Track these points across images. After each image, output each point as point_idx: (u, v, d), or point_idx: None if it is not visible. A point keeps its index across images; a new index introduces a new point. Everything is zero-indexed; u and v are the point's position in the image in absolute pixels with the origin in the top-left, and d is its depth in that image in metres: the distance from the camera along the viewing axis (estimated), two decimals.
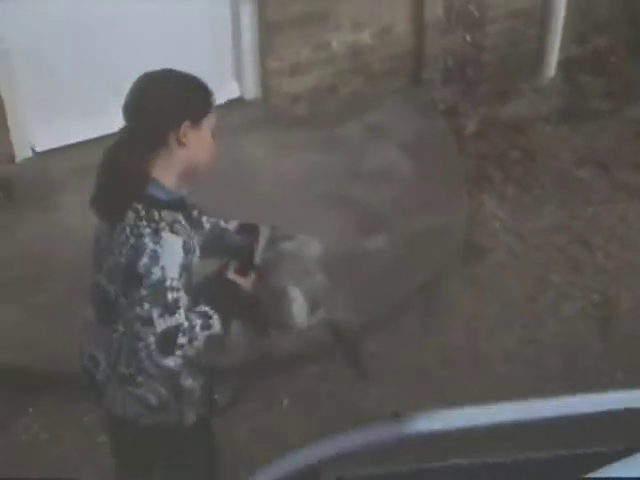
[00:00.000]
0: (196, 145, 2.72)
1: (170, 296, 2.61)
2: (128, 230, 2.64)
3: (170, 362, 2.66)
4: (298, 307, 2.94)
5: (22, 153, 5.50)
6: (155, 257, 2.62)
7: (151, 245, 2.62)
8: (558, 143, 6.08)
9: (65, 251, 4.97)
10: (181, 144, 2.70)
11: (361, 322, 4.70)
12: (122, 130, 2.74)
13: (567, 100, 6.49)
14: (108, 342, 2.92)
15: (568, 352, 4.55)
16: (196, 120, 2.71)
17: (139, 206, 2.65)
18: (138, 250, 2.63)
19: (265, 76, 6.03)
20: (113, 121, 5.30)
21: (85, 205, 5.18)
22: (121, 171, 2.71)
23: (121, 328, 2.83)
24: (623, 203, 5.57)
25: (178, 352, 2.65)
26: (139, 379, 2.86)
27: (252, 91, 6.12)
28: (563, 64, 6.67)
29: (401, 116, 6.12)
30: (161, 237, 2.64)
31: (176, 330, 2.62)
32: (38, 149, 5.54)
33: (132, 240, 2.63)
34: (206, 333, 2.75)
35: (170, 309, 2.62)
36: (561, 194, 5.65)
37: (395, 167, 5.68)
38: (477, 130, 6.13)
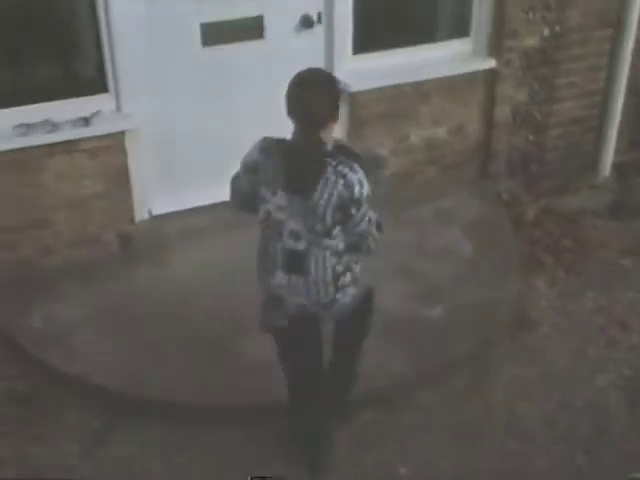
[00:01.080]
0: (337, 120, 3.54)
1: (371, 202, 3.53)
2: (333, 177, 3.39)
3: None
4: None
5: (140, 215, 5.67)
6: (361, 182, 3.43)
7: (354, 177, 3.41)
8: (607, 235, 6.10)
9: (168, 298, 5.18)
10: (334, 120, 3.50)
11: (415, 375, 4.78)
12: (298, 118, 3.44)
13: (618, 197, 6.52)
14: (306, 286, 3.63)
15: (600, 419, 4.57)
16: (340, 102, 3.57)
17: (330, 160, 3.43)
18: (349, 184, 3.41)
19: None
20: (218, 192, 5.47)
21: (189, 261, 5.45)
22: (312, 146, 3.46)
23: (312, 270, 3.58)
24: None
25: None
26: (345, 280, 3.67)
27: None
28: (617, 166, 6.71)
29: (468, 203, 6.22)
30: (355, 169, 3.44)
31: (380, 221, 3.64)
32: (154, 213, 5.73)
33: (341, 181, 3.39)
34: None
35: (374, 209, 3.57)
36: (605, 280, 5.66)
37: (457, 247, 5.76)
38: (535, 219, 6.20)
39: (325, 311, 3.73)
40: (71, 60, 5.41)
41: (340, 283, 3.65)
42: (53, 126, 5.15)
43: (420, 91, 5.96)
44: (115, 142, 5.35)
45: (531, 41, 6.10)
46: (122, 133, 5.35)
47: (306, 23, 5.43)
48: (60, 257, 5.44)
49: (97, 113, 5.26)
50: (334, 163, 3.42)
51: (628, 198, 6.48)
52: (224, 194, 5.46)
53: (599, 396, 4.74)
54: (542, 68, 6.25)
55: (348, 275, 3.69)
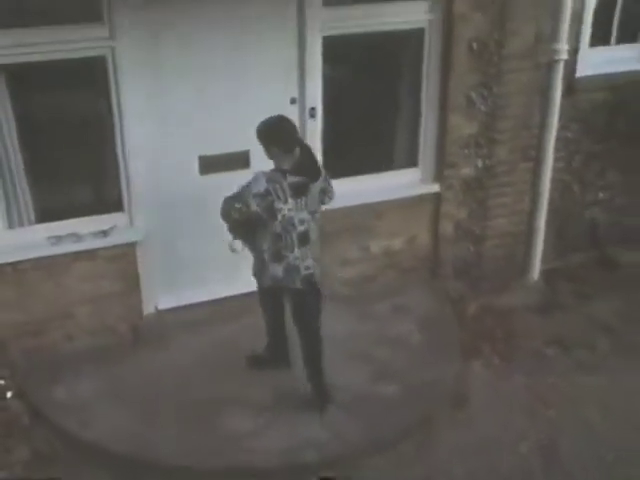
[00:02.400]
0: None
1: None
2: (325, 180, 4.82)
3: None
4: None
5: (148, 309, 5.88)
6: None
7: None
8: (534, 328, 6.24)
9: (169, 379, 5.39)
10: None
11: (369, 442, 4.96)
12: (299, 147, 4.64)
13: (544, 297, 6.66)
14: (310, 250, 4.82)
15: None
16: None
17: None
18: (323, 172, 4.78)
19: (324, 266, 5.72)
20: (212, 291, 5.84)
21: (187, 348, 5.68)
22: (313, 161, 4.78)
23: (312, 238, 4.82)
24: (576, 375, 5.72)
25: None
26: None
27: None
28: (544, 271, 6.83)
29: (420, 300, 6.38)
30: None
31: None
32: (159, 307, 5.94)
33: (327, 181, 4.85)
34: None
35: None
36: (531, 364, 5.80)
37: (410, 336, 5.92)
38: (475, 314, 6.32)
39: (317, 266, 4.92)
40: (95, 186, 5.74)
41: (317, 245, 4.93)
42: (78, 238, 5.46)
43: (379, 210, 6.22)
44: (127, 250, 5.61)
45: (467, 171, 6.38)
46: (133, 243, 5.61)
47: None
48: (81, 343, 5.65)
49: (114, 227, 5.55)
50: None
51: (553, 298, 6.65)
52: (217, 292, 5.89)
53: (521, 461, 4.93)
54: (478, 192, 6.49)
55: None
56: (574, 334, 6.23)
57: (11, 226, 5.44)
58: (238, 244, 4.94)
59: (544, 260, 6.80)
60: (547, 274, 6.89)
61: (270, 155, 4.70)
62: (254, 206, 4.64)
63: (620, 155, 6.90)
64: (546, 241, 6.74)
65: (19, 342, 5.48)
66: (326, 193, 4.94)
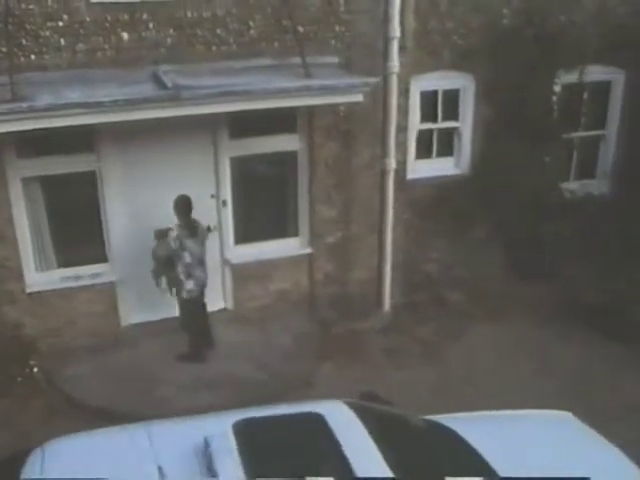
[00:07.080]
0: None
1: None
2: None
3: None
4: None
5: (124, 323, 8.05)
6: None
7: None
8: (378, 342, 8.23)
9: (136, 364, 7.48)
10: None
11: (244, 405, 6.31)
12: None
13: (391, 323, 8.53)
14: (204, 272, 7.66)
15: None
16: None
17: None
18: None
19: (237, 299, 8.37)
20: (167, 311, 8.11)
21: (151, 347, 8.01)
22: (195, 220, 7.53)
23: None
24: (392, 371, 7.67)
25: None
26: None
27: (230, 304, 8.52)
28: (393, 305, 8.70)
29: (300, 323, 8.39)
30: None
31: None
32: (132, 322, 8.07)
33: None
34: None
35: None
36: (364, 364, 7.75)
37: (287, 346, 8.05)
38: (338, 333, 8.22)
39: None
40: (89, 247, 8.01)
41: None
42: (79, 277, 7.83)
43: (274, 264, 8.39)
44: (110, 286, 7.93)
45: (331, 239, 8.51)
46: (114, 281, 7.94)
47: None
48: (82, 342, 7.82)
49: (101, 272, 7.94)
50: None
51: (395, 323, 8.64)
52: (170, 312, 7.98)
53: None
54: (340, 253, 8.52)
55: None
56: (401, 346, 8.26)
57: (41, 270, 7.94)
58: (163, 282, 7.44)
59: (393, 298, 8.80)
60: (395, 307, 8.90)
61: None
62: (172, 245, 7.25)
63: (443, 228, 9.01)
64: (394, 284, 8.70)
65: (44, 340, 7.71)
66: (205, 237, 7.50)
